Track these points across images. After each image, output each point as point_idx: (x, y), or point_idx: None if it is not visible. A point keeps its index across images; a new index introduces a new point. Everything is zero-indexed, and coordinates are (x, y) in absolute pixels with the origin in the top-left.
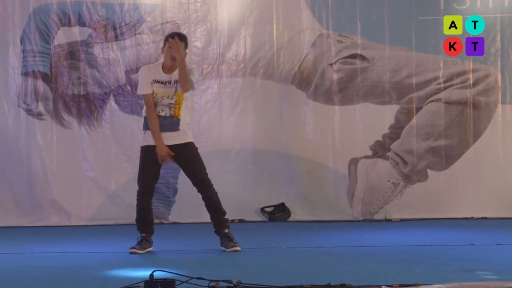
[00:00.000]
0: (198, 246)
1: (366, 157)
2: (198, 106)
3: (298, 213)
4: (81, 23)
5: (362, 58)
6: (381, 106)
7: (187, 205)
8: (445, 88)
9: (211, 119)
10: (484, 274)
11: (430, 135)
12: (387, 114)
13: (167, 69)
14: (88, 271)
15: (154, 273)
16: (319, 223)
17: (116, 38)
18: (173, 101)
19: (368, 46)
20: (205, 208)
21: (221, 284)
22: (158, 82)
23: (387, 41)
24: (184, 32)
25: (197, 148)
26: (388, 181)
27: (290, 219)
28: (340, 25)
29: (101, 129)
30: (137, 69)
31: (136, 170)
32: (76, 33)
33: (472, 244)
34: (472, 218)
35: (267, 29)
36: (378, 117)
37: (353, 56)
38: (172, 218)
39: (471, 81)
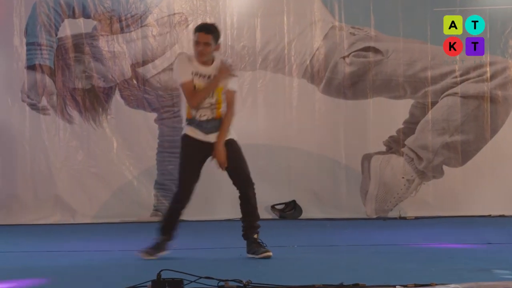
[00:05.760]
0: (207, 244)
1: (380, 153)
2: None
3: (309, 211)
4: (86, 14)
5: (376, 51)
6: (395, 100)
7: (195, 202)
8: (461, 82)
9: None
10: (502, 274)
11: (446, 130)
12: (401, 108)
13: (201, 62)
14: (94, 270)
15: (161, 273)
16: (331, 221)
17: (122, 30)
18: (213, 100)
19: (381, 38)
20: (213, 206)
21: (231, 283)
22: (199, 75)
23: (401, 33)
24: (191, 25)
25: (239, 146)
26: (403, 177)
27: (301, 217)
28: (353, 17)
29: (106, 124)
30: (143, 62)
31: (141, 165)
32: (81, 25)
33: (489, 243)
34: (489, 216)
35: (278, 21)
36: (392, 112)
37: (367, 49)
38: None
39: (488, 75)
